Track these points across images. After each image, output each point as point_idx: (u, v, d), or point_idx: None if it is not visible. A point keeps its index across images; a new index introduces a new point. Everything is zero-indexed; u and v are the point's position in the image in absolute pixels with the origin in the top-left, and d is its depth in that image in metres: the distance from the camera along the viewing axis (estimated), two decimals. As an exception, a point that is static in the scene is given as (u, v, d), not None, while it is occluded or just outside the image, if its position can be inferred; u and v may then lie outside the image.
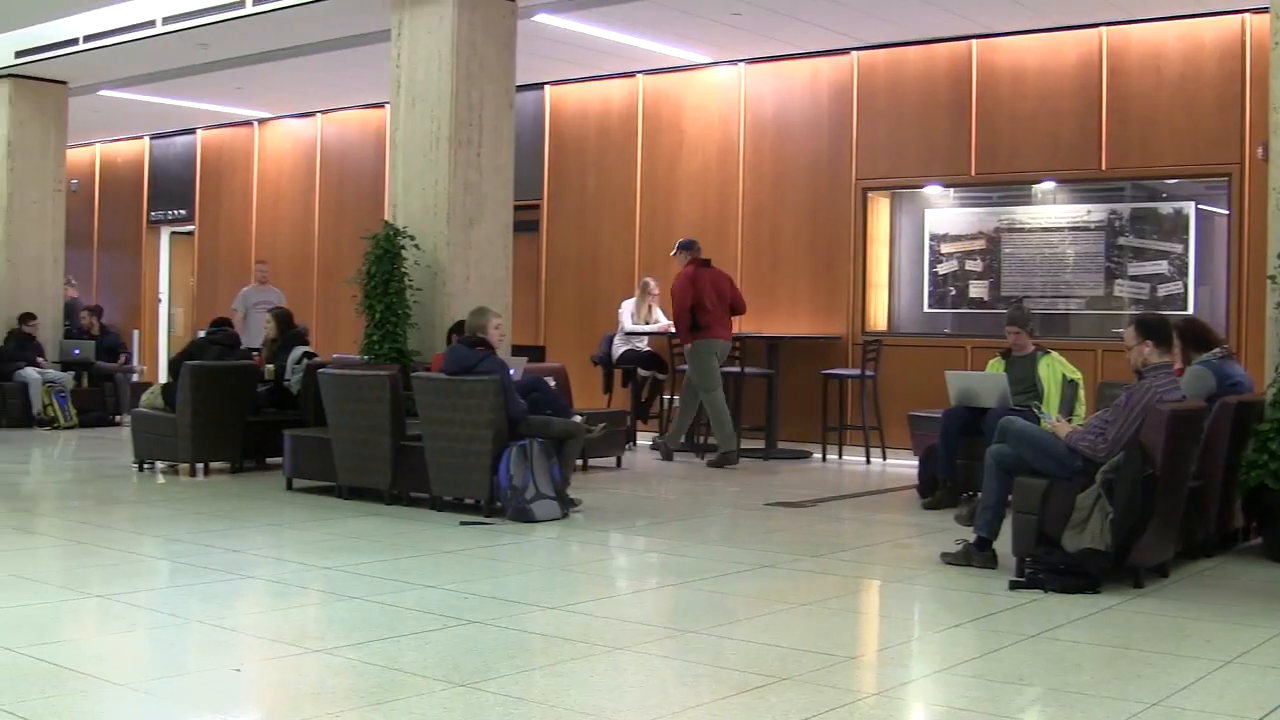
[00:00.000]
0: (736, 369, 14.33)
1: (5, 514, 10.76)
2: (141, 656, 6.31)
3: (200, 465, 12.68)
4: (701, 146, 16.48)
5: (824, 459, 14.41)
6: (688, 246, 14.37)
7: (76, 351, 18.30)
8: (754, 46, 15.50)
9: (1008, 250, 14.51)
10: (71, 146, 20.53)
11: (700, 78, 16.53)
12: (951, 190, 15.05)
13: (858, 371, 14.37)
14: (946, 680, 5.82)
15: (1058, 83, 14.04)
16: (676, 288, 13.97)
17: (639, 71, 16.84)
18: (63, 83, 18.43)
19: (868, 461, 14.14)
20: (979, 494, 8.68)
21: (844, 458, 14.43)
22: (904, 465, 13.28)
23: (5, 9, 15.67)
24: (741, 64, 16.13)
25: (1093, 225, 14.05)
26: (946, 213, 15.10)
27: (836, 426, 14.54)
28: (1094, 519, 7.46)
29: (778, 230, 15.85)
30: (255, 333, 16.41)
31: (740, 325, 15.23)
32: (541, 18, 14.01)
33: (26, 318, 17.77)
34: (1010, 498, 8.10)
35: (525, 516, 9.86)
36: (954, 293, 14.94)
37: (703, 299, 13.78)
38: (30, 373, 17.26)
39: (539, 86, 17.61)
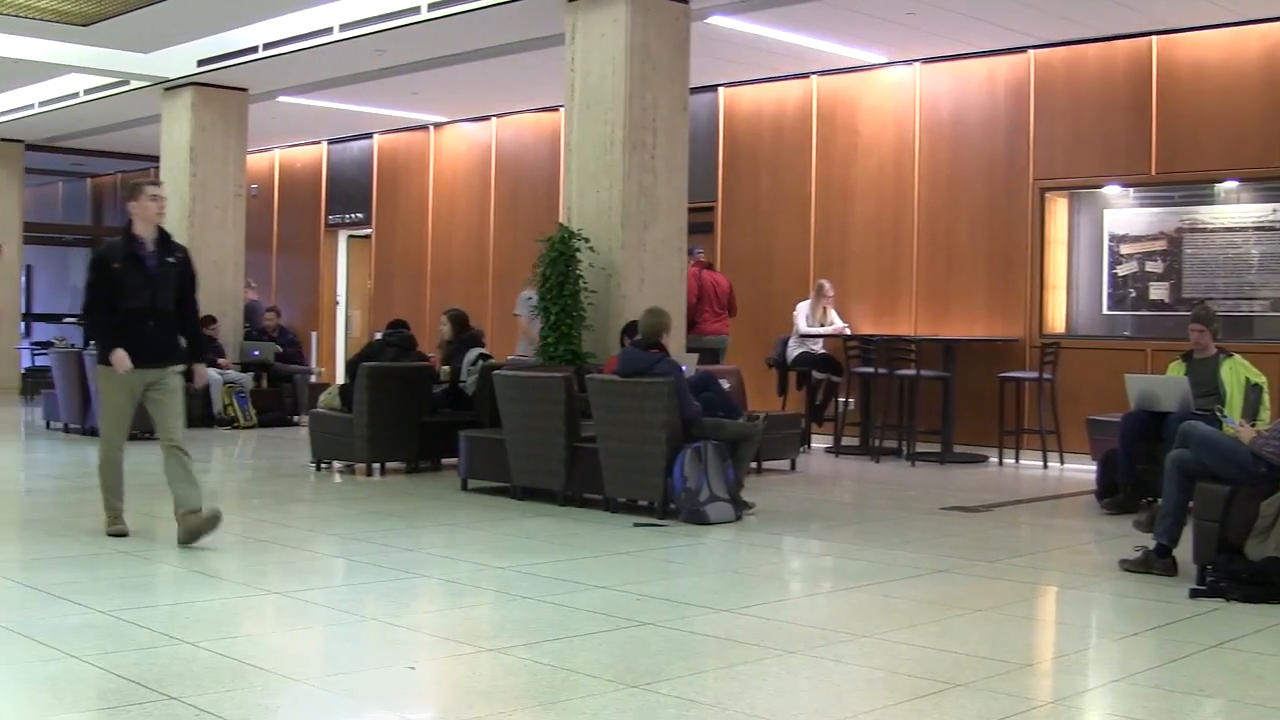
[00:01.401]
0: (912, 371, 14.23)
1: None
2: (318, 653, 6.42)
3: (376, 465, 12.89)
4: (876, 147, 16.33)
5: (1000, 463, 14.27)
6: (691, 251, 15.14)
7: (256, 353, 18.70)
8: (929, 46, 15.34)
9: (1189, 251, 14.19)
10: (251, 152, 21.00)
11: (875, 78, 16.39)
12: (1131, 190, 14.73)
13: (1035, 374, 14.17)
14: (1124, 690, 5.71)
15: (1241, 79, 13.68)
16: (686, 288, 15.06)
17: (813, 72, 16.73)
18: (243, 89, 18.86)
19: (1045, 466, 13.95)
20: (1159, 500, 8.51)
21: (1021, 462, 14.25)
22: (1082, 470, 13.07)
23: (188, 20, 16.06)
24: (917, 64, 15.95)
25: (1279, 225, 13.69)
26: (1126, 213, 14.80)
27: (1014, 430, 14.36)
28: (1278, 527, 7.27)
29: (954, 231, 15.65)
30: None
31: (916, 328, 15.25)
32: (715, 20, 14.01)
33: (208, 320, 18.10)
34: (1191, 504, 7.93)
35: (699, 519, 9.86)
36: (1134, 294, 14.65)
37: (701, 299, 15.36)
38: (211, 374, 17.60)
39: (713, 88, 17.59)
